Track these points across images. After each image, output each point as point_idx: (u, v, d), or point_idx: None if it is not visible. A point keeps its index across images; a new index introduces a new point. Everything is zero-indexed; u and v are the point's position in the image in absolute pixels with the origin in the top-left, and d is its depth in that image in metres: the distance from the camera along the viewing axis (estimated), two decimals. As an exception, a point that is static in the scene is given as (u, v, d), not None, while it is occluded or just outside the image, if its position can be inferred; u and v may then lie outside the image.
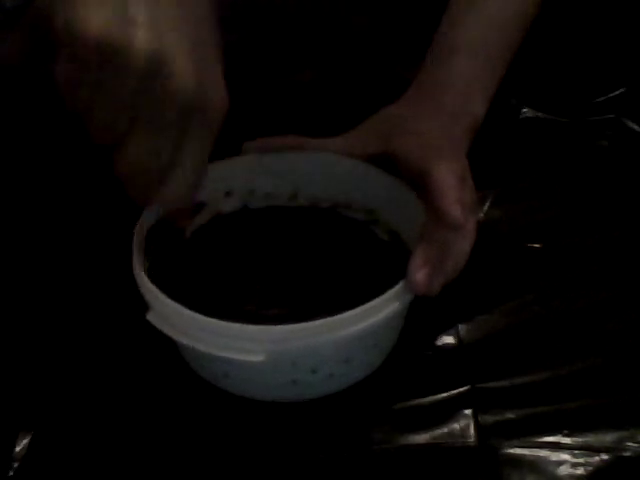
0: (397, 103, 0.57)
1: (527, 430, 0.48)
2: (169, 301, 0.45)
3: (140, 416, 0.49)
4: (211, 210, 0.57)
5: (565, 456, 0.47)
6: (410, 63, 0.59)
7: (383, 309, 0.46)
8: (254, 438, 0.48)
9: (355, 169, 0.55)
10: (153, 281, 0.47)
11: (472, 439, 0.48)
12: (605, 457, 0.47)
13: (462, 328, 0.54)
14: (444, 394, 0.50)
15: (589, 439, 0.47)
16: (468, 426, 0.49)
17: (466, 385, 0.51)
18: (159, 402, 0.50)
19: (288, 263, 0.55)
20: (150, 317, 0.45)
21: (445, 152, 0.52)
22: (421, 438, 0.48)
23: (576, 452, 0.47)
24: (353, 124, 0.57)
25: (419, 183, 0.51)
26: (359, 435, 0.49)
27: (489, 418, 0.49)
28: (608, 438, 0.47)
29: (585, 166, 0.67)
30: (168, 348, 0.50)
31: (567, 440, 0.48)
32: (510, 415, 0.49)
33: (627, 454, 0.47)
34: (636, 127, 0.70)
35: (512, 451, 0.47)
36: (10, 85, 0.55)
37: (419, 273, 0.47)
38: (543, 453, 0.47)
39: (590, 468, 0.46)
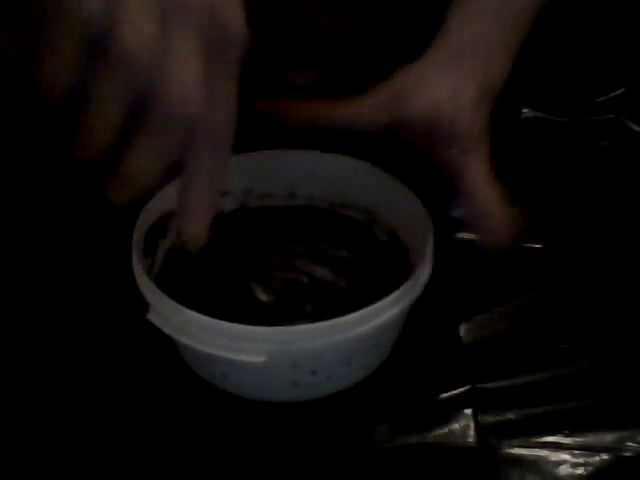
0: (412, 64, 0.55)
1: (527, 430, 0.48)
2: (169, 300, 0.45)
3: (139, 416, 0.49)
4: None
5: (565, 456, 0.47)
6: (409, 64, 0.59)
7: (385, 312, 0.45)
8: (254, 438, 0.48)
9: (353, 168, 0.55)
10: (153, 281, 0.47)
11: (472, 439, 0.48)
12: (605, 457, 0.47)
13: (462, 328, 0.54)
14: (444, 394, 0.50)
15: (589, 439, 0.47)
16: (468, 426, 0.48)
17: (466, 385, 0.50)
18: (158, 402, 0.50)
19: (286, 263, 0.55)
20: (150, 316, 0.45)
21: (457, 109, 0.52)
22: (421, 438, 0.48)
23: (576, 452, 0.47)
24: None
25: (427, 142, 0.51)
26: (359, 435, 0.49)
27: (489, 418, 0.49)
28: (608, 438, 0.47)
29: (585, 166, 0.67)
30: (168, 348, 0.50)
31: (567, 440, 0.48)
32: (510, 415, 0.49)
33: (627, 454, 0.47)
34: (636, 127, 0.70)
35: (512, 451, 0.47)
36: (10, 85, 0.55)
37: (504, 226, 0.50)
38: (543, 453, 0.47)
39: (590, 468, 0.46)
